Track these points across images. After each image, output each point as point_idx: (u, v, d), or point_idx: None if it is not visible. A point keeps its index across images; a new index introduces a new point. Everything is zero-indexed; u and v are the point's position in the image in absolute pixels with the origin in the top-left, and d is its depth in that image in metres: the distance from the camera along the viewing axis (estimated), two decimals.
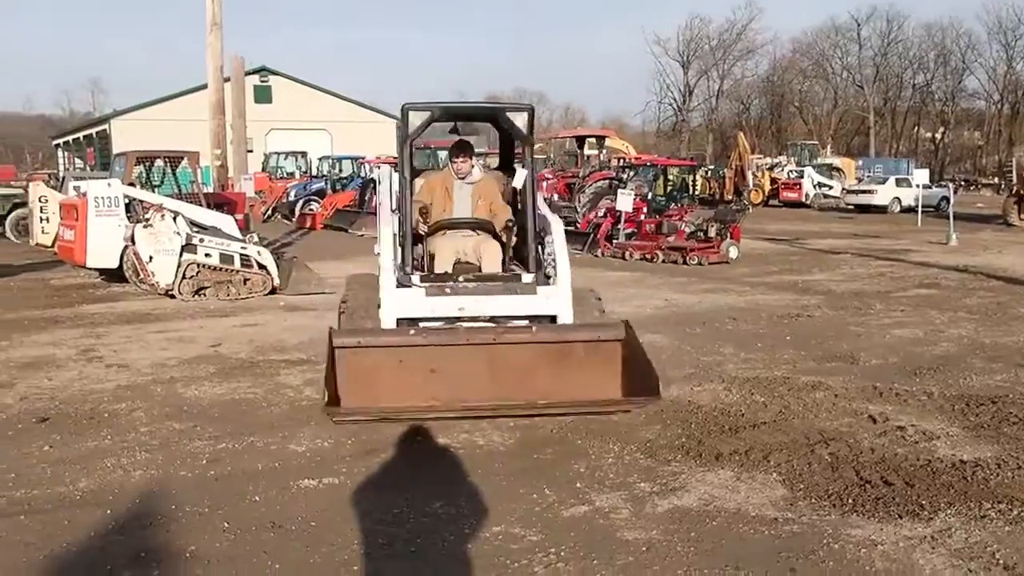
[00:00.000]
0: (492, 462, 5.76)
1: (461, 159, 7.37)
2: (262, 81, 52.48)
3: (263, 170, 36.97)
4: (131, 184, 15.52)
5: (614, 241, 18.92)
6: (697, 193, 31.13)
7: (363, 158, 32.96)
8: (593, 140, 27.22)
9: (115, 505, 4.98)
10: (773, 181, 41.97)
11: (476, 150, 7.75)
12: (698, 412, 6.84)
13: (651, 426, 6.47)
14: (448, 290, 6.62)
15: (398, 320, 6.49)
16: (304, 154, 38.91)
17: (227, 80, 20.50)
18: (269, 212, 30.28)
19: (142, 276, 12.99)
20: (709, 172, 43.95)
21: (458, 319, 6.54)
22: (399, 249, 6.86)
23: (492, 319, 6.58)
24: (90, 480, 5.34)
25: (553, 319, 6.65)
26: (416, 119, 6.68)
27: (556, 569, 4.24)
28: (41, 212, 18.56)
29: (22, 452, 5.76)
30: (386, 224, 6.90)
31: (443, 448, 6.03)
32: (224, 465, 5.68)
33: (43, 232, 18.43)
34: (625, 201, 18.66)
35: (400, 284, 6.57)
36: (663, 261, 17.46)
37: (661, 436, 6.25)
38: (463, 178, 7.39)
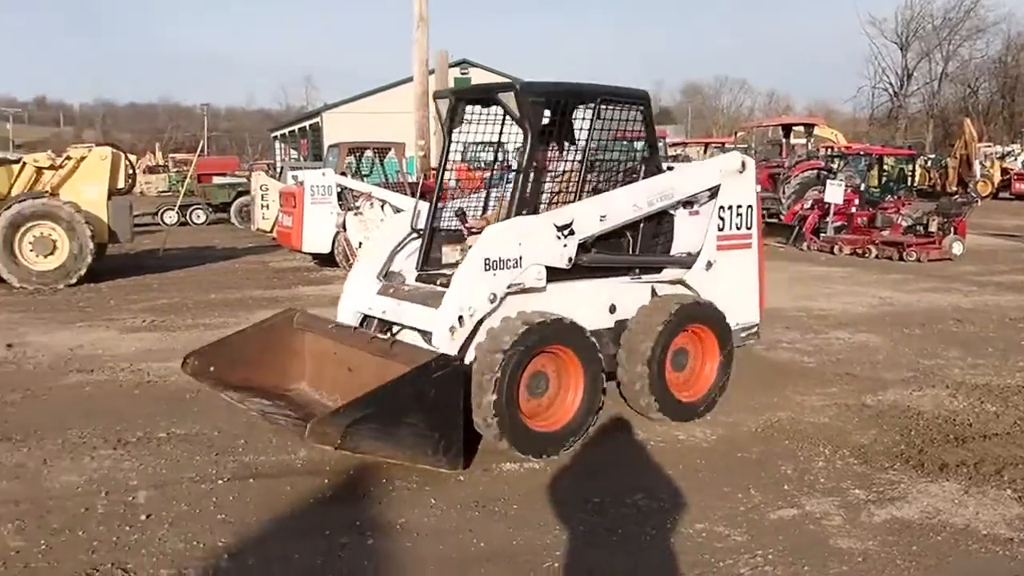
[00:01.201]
0: (694, 457, 5.63)
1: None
2: (462, 73, 53.91)
3: (461, 160, 37.97)
4: (342, 173, 16.40)
5: (821, 235, 18.02)
6: (915, 184, 29.07)
7: None
8: (800, 128, 26.01)
9: (332, 476, 5.26)
10: (1004, 172, 38.35)
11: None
12: (919, 419, 6.38)
13: (866, 431, 6.10)
14: (391, 291, 6.23)
15: (359, 312, 6.33)
16: (500, 144, 39.60)
17: (431, 73, 21.17)
18: None
19: (352, 261, 13.67)
20: (929, 162, 40.90)
21: (377, 319, 6.23)
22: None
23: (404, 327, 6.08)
24: (310, 451, 5.66)
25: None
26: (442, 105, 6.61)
27: (763, 572, 4.08)
28: (262, 200, 19.93)
29: (250, 421, 6.19)
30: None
31: (643, 441, 5.96)
32: None
33: (263, 218, 19.77)
34: (835, 192, 17.69)
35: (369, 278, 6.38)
36: (876, 256, 16.44)
37: (877, 442, 5.88)
38: None
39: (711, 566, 4.14)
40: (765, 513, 4.75)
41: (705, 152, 31.81)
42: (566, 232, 5.77)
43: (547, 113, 5.93)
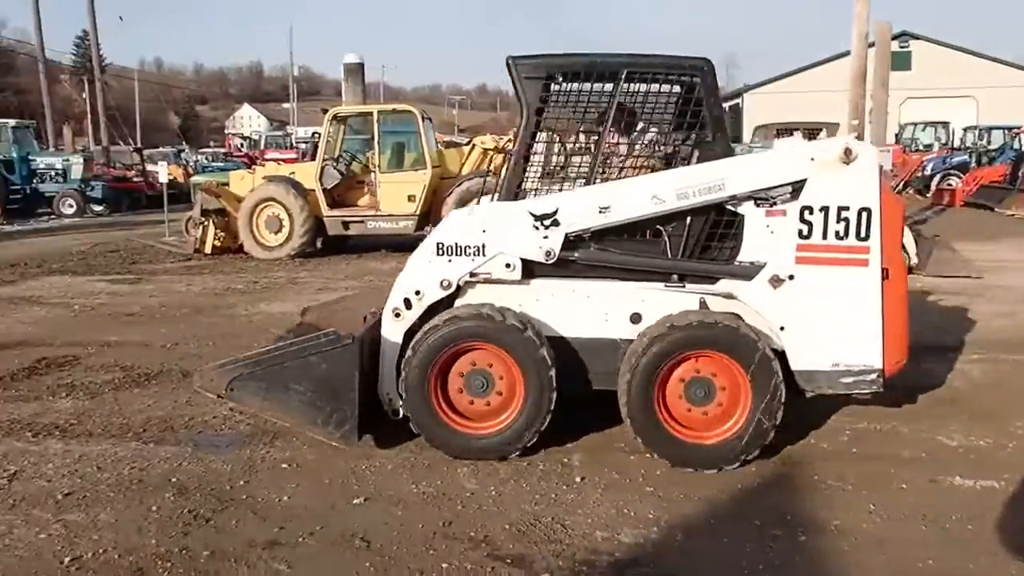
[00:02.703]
0: None
1: None
2: (901, 47, 49.62)
3: (896, 142, 35.12)
4: None
5: None
6: None
7: (1018, 128, 29.22)
8: None
9: (759, 465, 5.09)
10: None
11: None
12: None
13: None
14: None
15: None
16: (945, 124, 35.94)
17: (871, 46, 19.72)
18: (900, 186, 28.71)
19: None
20: None
21: None
22: None
23: None
24: None
25: None
26: None
27: None
28: None
29: None
30: None
31: None
32: (867, 445, 5.47)
33: None
34: None
35: None
36: None
37: None
38: None
39: None
40: None
41: None
42: (547, 222, 5.15)
43: (554, 88, 5.30)
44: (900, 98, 46.71)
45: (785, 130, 16.99)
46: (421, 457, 5.19)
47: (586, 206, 5.16)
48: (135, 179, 29.90)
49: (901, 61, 49.70)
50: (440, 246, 5.26)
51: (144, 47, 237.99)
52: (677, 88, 5.35)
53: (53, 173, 26.36)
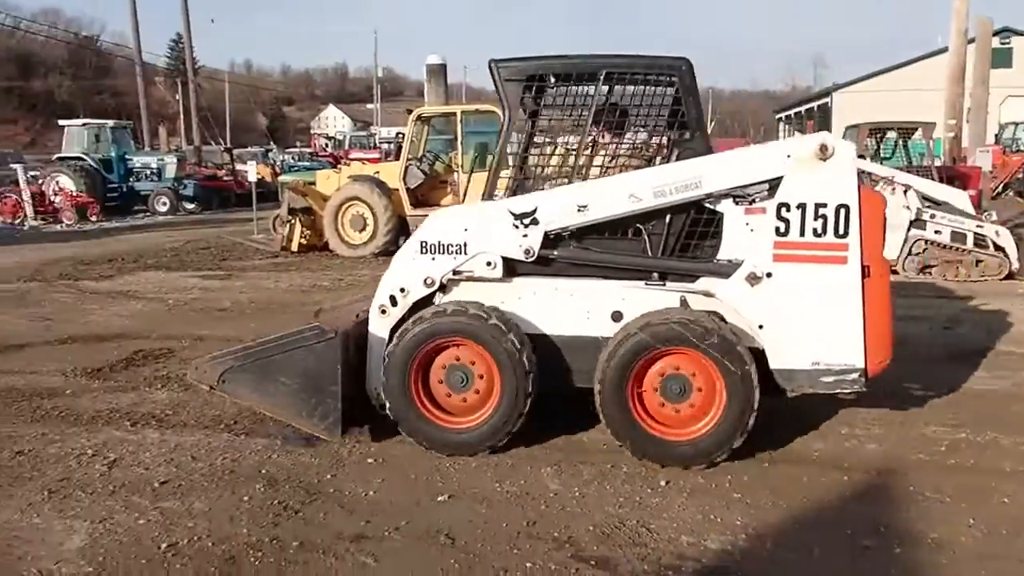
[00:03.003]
0: None
1: None
2: (1002, 43, 47.74)
3: (996, 142, 33.77)
4: (860, 156, 15.52)
5: None
6: None
7: None
8: None
9: (851, 472, 4.98)
10: None
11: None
12: None
13: None
14: None
15: None
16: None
17: (970, 42, 19.04)
18: (1000, 188, 27.57)
19: None
20: None
21: None
22: None
23: None
24: (826, 444, 5.47)
25: None
26: None
27: None
28: None
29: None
30: None
31: None
32: (965, 455, 5.27)
33: None
34: None
35: None
36: None
37: None
38: None
39: None
40: None
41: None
42: (527, 221, 5.19)
43: (535, 90, 5.50)
44: (1000, 96, 44.93)
45: (877, 130, 16.45)
46: (504, 456, 5.20)
47: (565, 205, 5.21)
48: (225, 178, 30.79)
49: (1001, 58, 47.78)
50: (424, 244, 5.36)
51: (234, 49, 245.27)
52: (656, 88, 5.43)
53: (148, 172, 27.34)
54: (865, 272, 4.94)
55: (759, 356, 5.00)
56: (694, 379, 5.01)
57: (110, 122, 29.16)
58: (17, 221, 23.02)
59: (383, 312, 5.42)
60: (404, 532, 4.26)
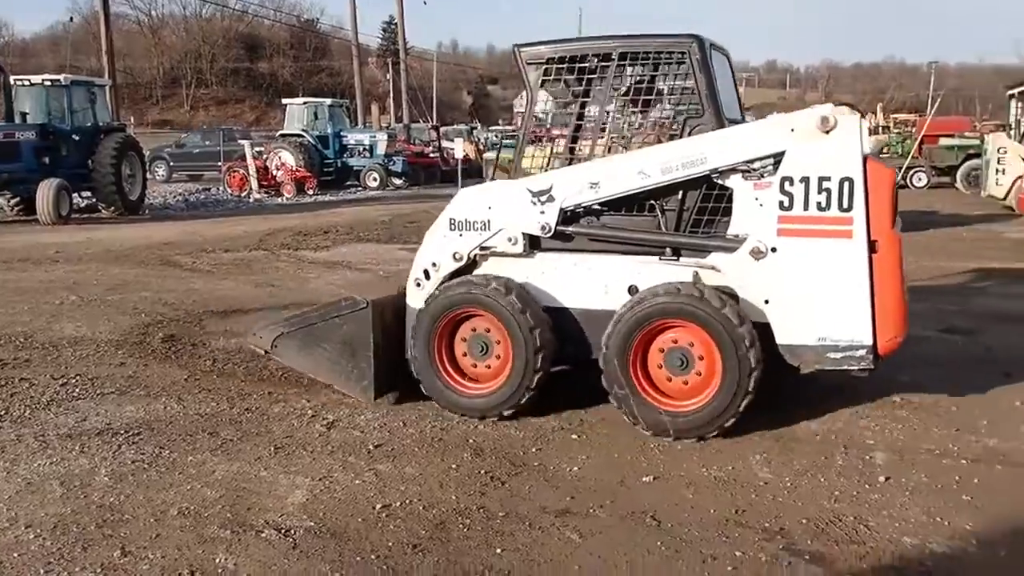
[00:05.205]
0: None
1: None
2: None
3: None
4: None
5: None
6: None
7: None
8: None
9: None
10: None
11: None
12: None
13: None
14: None
15: None
16: None
17: None
18: None
19: None
20: None
21: None
22: None
23: None
24: None
25: None
26: None
27: None
28: (998, 164, 18.14)
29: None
30: None
31: None
32: None
33: (997, 184, 18.03)
34: None
35: None
36: None
37: None
38: None
39: None
40: None
41: None
42: (543, 198, 5.37)
43: (554, 71, 5.62)
44: None
45: None
46: (711, 441, 5.08)
47: (578, 182, 5.37)
48: (432, 155, 31.91)
49: None
50: (452, 221, 5.63)
51: (442, 31, 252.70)
52: (669, 66, 5.46)
53: (361, 148, 28.82)
54: (873, 247, 4.83)
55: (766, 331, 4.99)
56: (693, 349, 5.09)
57: (328, 101, 30.91)
58: (244, 194, 24.93)
59: (418, 285, 5.74)
60: (609, 511, 4.25)
